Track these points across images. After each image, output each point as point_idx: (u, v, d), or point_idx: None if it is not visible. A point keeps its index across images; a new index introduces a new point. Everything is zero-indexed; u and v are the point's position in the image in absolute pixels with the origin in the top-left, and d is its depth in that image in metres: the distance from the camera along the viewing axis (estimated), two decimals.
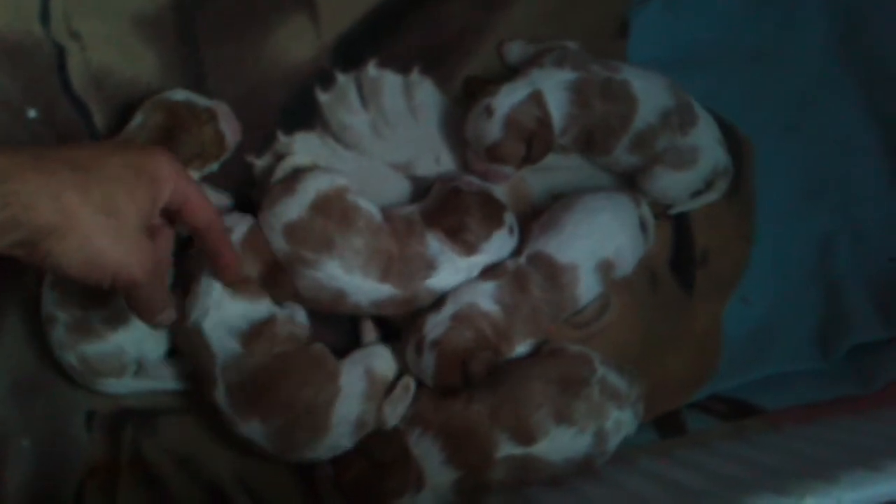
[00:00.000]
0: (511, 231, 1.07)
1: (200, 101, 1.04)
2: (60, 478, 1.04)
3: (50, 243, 0.71)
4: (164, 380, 1.05)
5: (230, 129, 1.05)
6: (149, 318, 0.84)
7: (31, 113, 1.08)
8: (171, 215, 0.86)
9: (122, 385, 1.03)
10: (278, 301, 1.01)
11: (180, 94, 1.03)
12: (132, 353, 1.00)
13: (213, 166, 1.06)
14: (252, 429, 0.97)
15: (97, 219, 0.73)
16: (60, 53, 1.09)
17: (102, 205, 0.74)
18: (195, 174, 1.03)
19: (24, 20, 1.08)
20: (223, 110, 1.05)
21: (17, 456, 1.03)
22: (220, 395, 0.97)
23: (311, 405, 0.97)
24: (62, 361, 1.00)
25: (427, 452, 0.99)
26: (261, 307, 0.98)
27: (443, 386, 1.01)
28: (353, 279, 1.00)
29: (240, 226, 1.01)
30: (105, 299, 0.97)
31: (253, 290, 0.98)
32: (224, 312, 0.97)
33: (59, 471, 1.04)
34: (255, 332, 0.97)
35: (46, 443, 1.04)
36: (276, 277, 0.99)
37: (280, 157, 1.11)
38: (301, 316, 1.04)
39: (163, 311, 0.85)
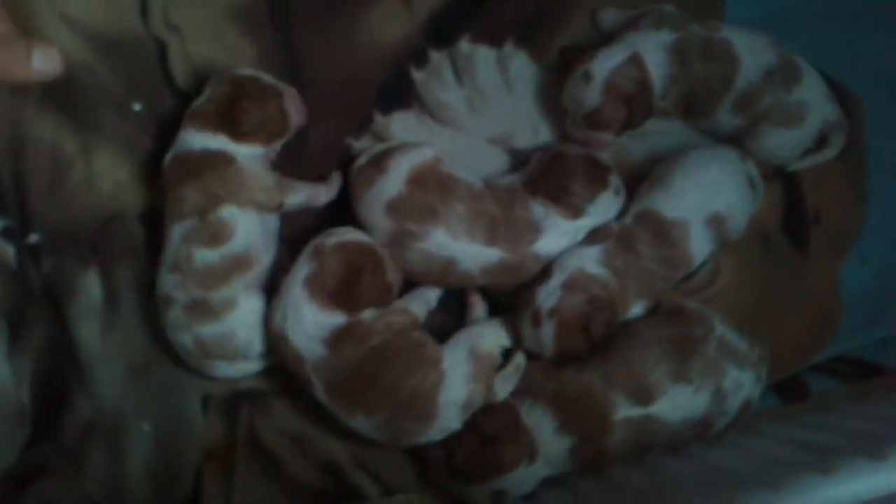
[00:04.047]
0: (616, 192, 1.06)
1: (268, 78, 1.05)
2: (180, 459, 1.05)
3: None
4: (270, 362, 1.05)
5: (295, 111, 1.06)
6: None
7: (136, 107, 1.10)
8: None
9: (233, 369, 1.03)
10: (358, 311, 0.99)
11: (248, 71, 1.05)
12: (242, 336, 1.01)
13: (277, 146, 1.06)
14: (358, 422, 0.97)
15: None
16: (161, 47, 1.11)
17: None
18: (259, 150, 1.03)
19: (124, 17, 1.11)
20: (289, 92, 1.06)
21: (137, 439, 1.05)
22: (319, 394, 0.97)
23: (415, 394, 0.96)
24: (176, 344, 1.02)
25: (539, 422, 0.98)
26: (336, 316, 0.97)
27: (563, 354, 1.00)
28: (461, 245, 1.00)
29: (345, 235, 1.00)
30: (227, 279, 0.99)
31: (325, 300, 0.97)
32: (302, 318, 0.96)
33: (178, 453, 1.06)
34: (338, 338, 0.96)
35: (165, 426, 1.06)
36: (355, 289, 0.97)
37: (378, 138, 1.12)
38: (419, 306, 1.04)
39: None
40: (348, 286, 0.97)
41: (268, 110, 1.02)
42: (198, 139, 1.01)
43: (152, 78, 1.11)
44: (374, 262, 0.99)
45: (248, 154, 1.02)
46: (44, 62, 0.92)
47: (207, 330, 0.99)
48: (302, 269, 0.97)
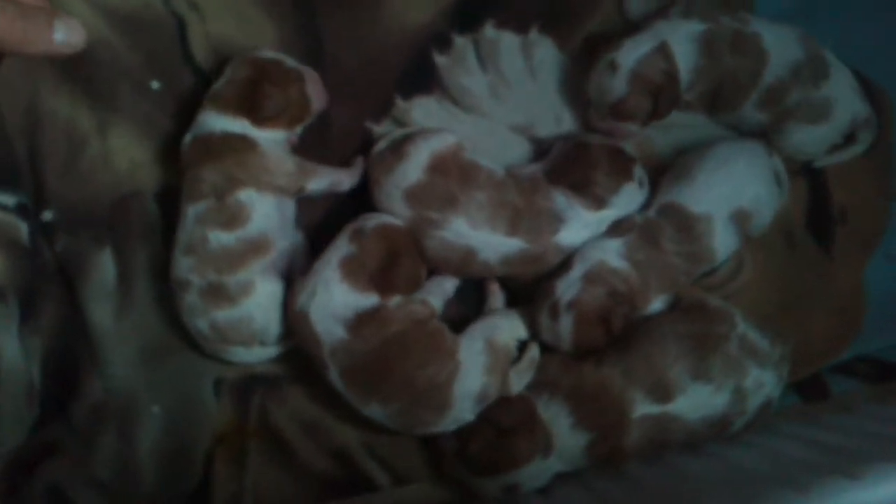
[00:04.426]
0: (640, 184, 1.04)
1: (290, 61, 1.03)
2: (190, 443, 1.04)
3: None
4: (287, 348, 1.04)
5: (316, 95, 1.04)
6: None
7: (154, 84, 1.08)
8: None
9: (250, 354, 1.02)
10: (394, 294, 0.98)
11: (270, 54, 1.03)
12: (260, 321, 1.00)
13: (298, 130, 1.04)
14: (373, 410, 0.96)
15: None
16: (181, 25, 1.09)
17: None
18: (281, 134, 1.02)
19: None
20: (311, 75, 1.04)
21: (148, 422, 1.04)
22: (334, 379, 0.96)
23: (431, 385, 0.94)
24: (192, 328, 1.00)
25: (556, 416, 0.97)
26: (369, 299, 0.96)
27: (581, 348, 0.99)
28: (481, 234, 0.98)
29: (382, 218, 1.00)
30: (243, 262, 0.98)
31: (363, 282, 0.96)
32: (331, 297, 0.94)
33: (189, 437, 1.04)
34: (361, 321, 0.94)
35: (176, 409, 1.05)
36: (393, 272, 0.97)
37: (399, 123, 1.10)
38: (437, 296, 1.02)
39: None
40: (387, 268, 0.96)
41: (290, 94, 1.00)
42: (218, 122, 0.99)
43: (171, 56, 1.09)
44: (410, 246, 0.99)
45: (270, 138, 1.00)
46: (66, 34, 0.90)
47: (224, 315, 0.98)
48: (339, 249, 0.96)
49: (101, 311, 1.04)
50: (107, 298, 1.05)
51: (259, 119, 0.99)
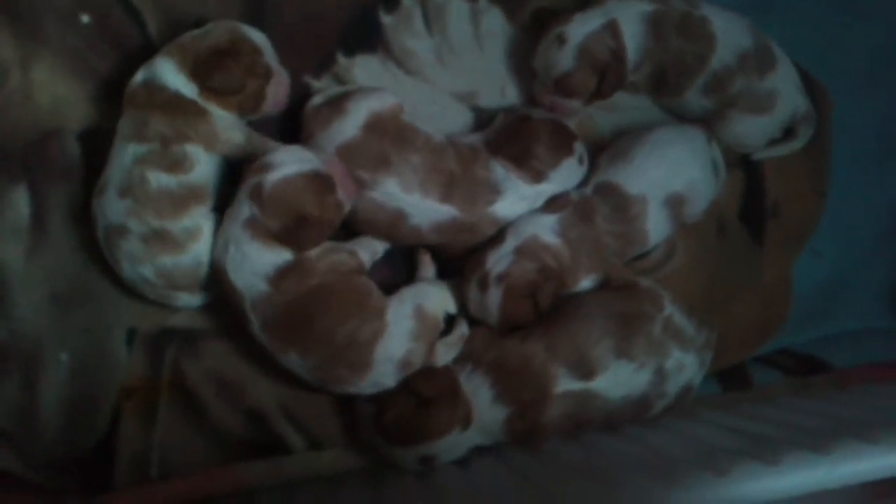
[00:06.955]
0: (580, 161, 1.03)
1: (269, 58, 0.98)
2: (98, 395, 1.01)
3: None
4: None
5: (275, 98, 0.99)
6: None
7: (84, 19, 1.03)
8: None
9: (196, 299, 0.99)
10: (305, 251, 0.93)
11: (258, 38, 0.98)
12: (207, 266, 0.96)
13: (245, 119, 1.00)
14: (291, 360, 0.93)
15: None
16: None
17: None
18: (226, 114, 0.97)
19: None
20: (281, 79, 0.99)
21: (54, 369, 1.00)
22: (255, 329, 0.93)
23: (353, 341, 0.92)
24: (132, 275, 0.95)
25: (477, 389, 0.96)
26: (283, 255, 0.92)
27: (508, 321, 0.97)
28: (413, 198, 0.96)
29: (282, 169, 0.91)
30: (185, 208, 0.94)
31: (271, 243, 0.92)
32: (244, 255, 0.91)
33: (97, 388, 1.01)
34: (282, 275, 0.91)
35: (85, 358, 1.01)
36: (299, 233, 0.91)
37: (339, 80, 1.07)
38: (366, 252, 0.99)
39: None
40: (291, 230, 0.91)
41: (247, 84, 0.96)
42: (173, 77, 0.94)
43: None
44: (317, 199, 0.91)
45: (218, 112, 0.96)
46: None
47: (172, 260, 0.94)
48: (241, 210, 0.91)
49: (10, 250, 1.00)
50: (18, 237, 1.00)
51: (206, 88, 0.94)
